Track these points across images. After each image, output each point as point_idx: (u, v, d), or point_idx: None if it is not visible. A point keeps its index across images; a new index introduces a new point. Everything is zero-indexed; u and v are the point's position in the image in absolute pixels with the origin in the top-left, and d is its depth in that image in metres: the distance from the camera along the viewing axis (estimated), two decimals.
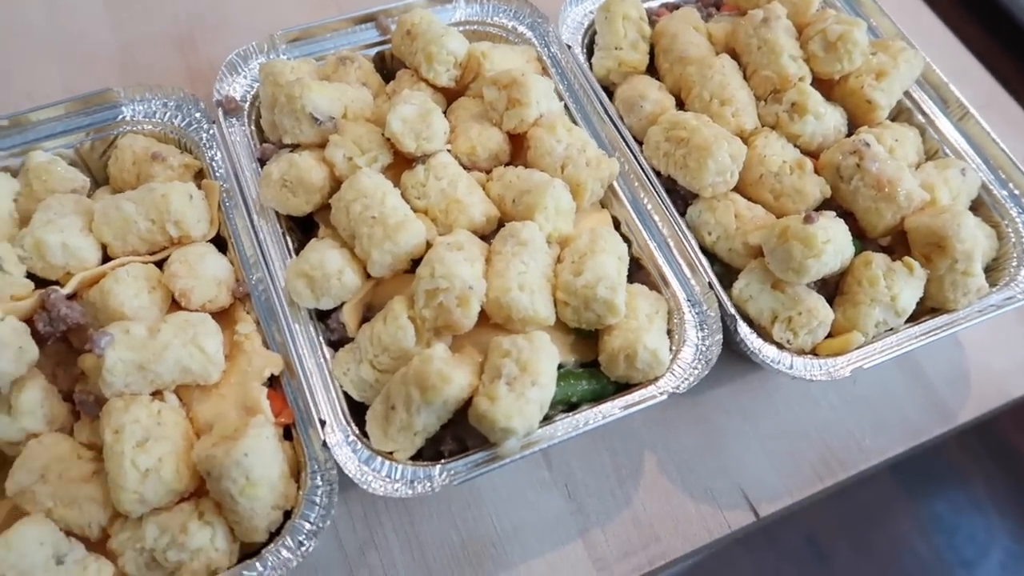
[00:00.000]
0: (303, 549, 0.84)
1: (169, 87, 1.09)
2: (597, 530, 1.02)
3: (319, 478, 0.87)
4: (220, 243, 1.01)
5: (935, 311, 1.03)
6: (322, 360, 0.94)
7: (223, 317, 0.94)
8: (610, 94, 1.17)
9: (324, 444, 0.87)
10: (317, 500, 0.87)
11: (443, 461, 0.89)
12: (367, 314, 0.99)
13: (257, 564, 0.83)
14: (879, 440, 1.10)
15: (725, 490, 1.06)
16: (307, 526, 0.85)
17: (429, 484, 0.87)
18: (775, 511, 1.05)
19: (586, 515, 1.03)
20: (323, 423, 0.89)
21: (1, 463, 0.89)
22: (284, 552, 0.84)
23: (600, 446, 1.07)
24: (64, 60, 1.35)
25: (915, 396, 1.14)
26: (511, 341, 0.89)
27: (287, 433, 0.91)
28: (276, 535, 0.86)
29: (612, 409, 0.92)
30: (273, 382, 0.92)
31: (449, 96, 1.13)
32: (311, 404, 0.90)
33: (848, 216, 1.04)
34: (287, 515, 0.87)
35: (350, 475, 0.86)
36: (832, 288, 1.04)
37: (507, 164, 1.06)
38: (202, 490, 0.86)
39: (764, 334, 0.99)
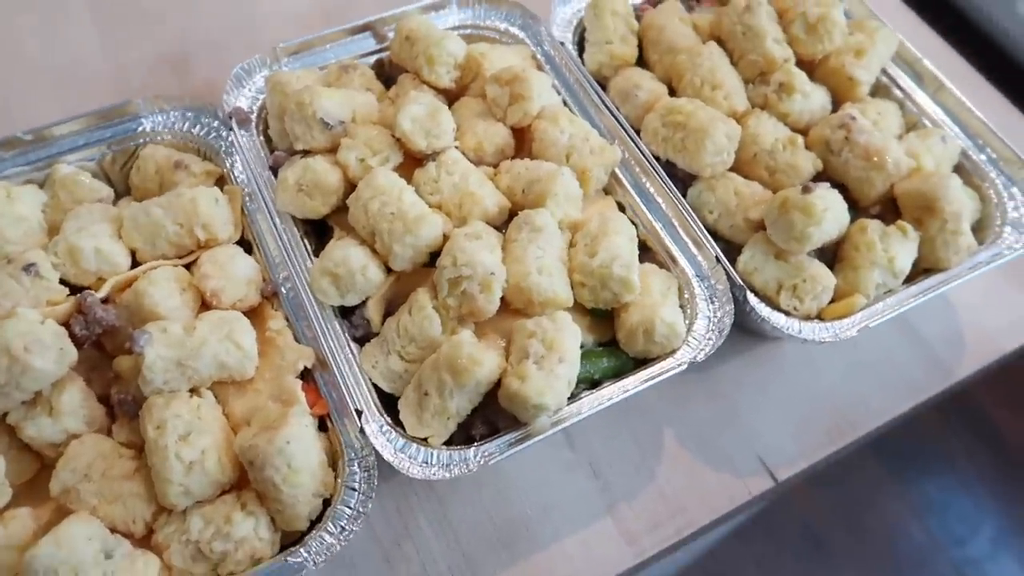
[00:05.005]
0: (345, 534, 0.86)
1: (187, 98, 1.12)
2: (624, 505, 1.05)
3: (356, 465, 0.90)
4: (244, 246, 1.03)
5: (928, 271, 1.08)
6: (350, 355, 0.97)
7: (252, 316, 0.96)
8: (603, 87, 1.22)
9: (361, 431, 0.90)
10: (356, 486, 0.89)
11: (476, 443, 0.92)
12: (388, 308, 1.01)
13: (301, 550, 0.85)
14: (885, 401, 1.15)
15: (743, 459, 1.09)
16: (347, 511, 0.88)
17: (465, 466, 0.89)
18: (792, 475, 1.08)
19: (612, 492, 1.06)
20: (360, 413, 0.91)
21: (41, 467, 0.90)
22: (327, 537, 0.86)
23: (620, 425, 1.10)
24: (61, 88, 1.37)
25: (915, 357, 1.19)
26: (535, 322, 0.93)
27: (321, 425, 0.93)
28: (317, 523, 0.88)
29: (635, 383, 0.96)
30: (305, 375, 0.95)
31: (449, 98, 1.17)
32: (345, 394, 0.92)
33: (840, 188, 1.08)
34: (326, 504, 0.89)
35: (389, 461, 0.89)
36: (829, 256, 1.08)
37: (512, 158, 1.10)
38: (242, 483, 0.88)
39: (771, 303, 1.04)
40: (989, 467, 2.87)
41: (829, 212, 0.99)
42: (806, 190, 0.99)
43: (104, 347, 0.95)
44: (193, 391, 0.90)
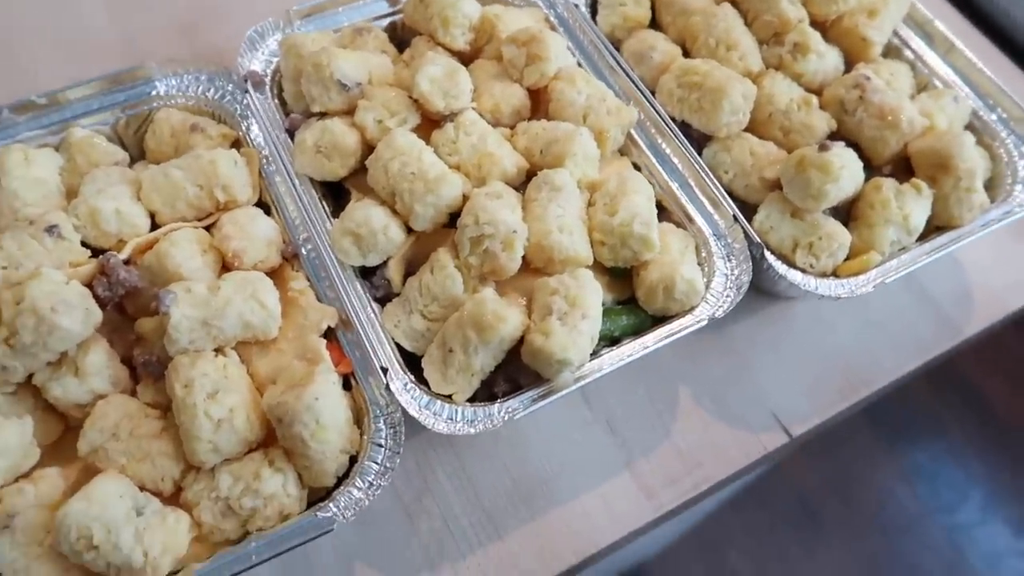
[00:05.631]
0: (373, 489, 0.87)
1: (201, 60, 1.12)
2: (641, 461, 1.07)
3: (382, 422, 0.91)
4: (263, 209, 1.03)
5: (941, 229, 1.09)
6: (372, 315, 0.97)
7: (273, 277, 0.96)
8: (616, 48, 1.22)
9: (387, 388, 0.91)
10: (382, 442, 0.90)
11: (500, 400, 0.93)
12: (409, 269, 1.02)
13: (331, 505, 0.86)
14: (896, 358, 1.16)
15: (757, 415, 1.11)
16: (375, 467, 0.89)
17: (490, 422, 0.91)
18: (806, 431, 1.10)
19: (629, 448, 1.07)
20: (385, 370, 0.92)
21: (65, 429, 0.91)
22: (355, 492, 0.87)
23: (636, 382, 1.11)
24: (69, 52, 1.36)
25: (924, 316, 1.20)
26: (557, 280, 0.93)
27: (345, 384, 0.94)
28: (343, 480, 0.89)
29: (654, 339, 0.97)
30: (328, 335, 0.95)
31: (462, 60, 1.16)
32: (370, 352, 0.93)
33: (853, 147, 1.09)
34: (352, 461, 0.90)
35: (414, 417, 0.90)
36: (842, 216, 1.09)
37: (528, 119, 1.10)
38: (269, 441, 0.89)
39: (787, 261, 1.05)
40: (979, 435, 2.92)
41: (846, 170, 1.00)
42: (823, 148, 1.00)
43: (125, 310, 0.95)
44: (218, 351, 0.91)
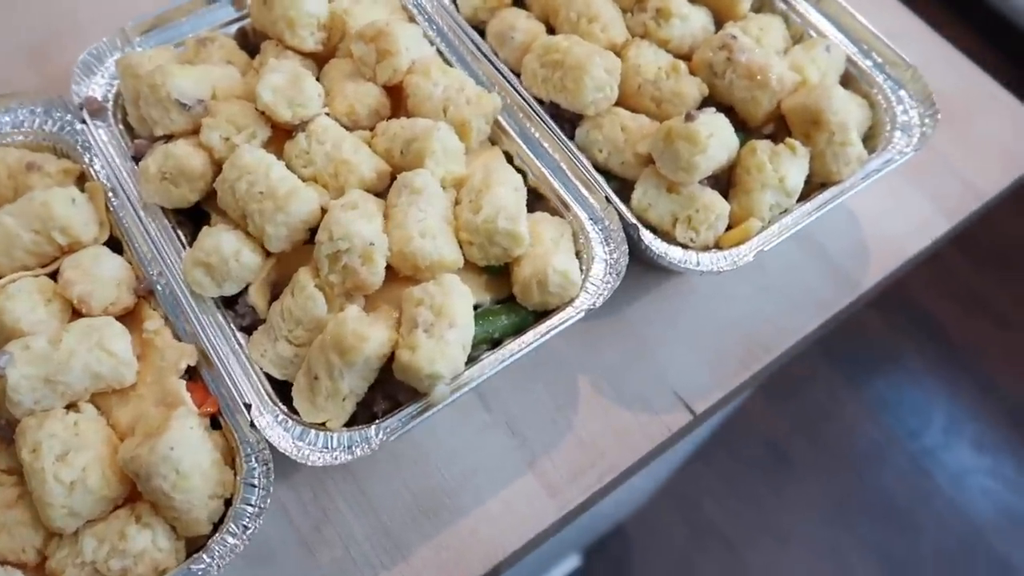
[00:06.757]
0: (249, 532, 0.83)
1: (33, 92, 1.04)
2: (544, 459, 1.04)
3: (254, 460, 0.86)
4: (115, 245, 0.98)
5: (823, 186, 1.06)
6: (237, 346, 0.92)
7: (129, 318, 0.91)
8: (482, 32, 1.17)
9: (252, 425, 0.86)
10: (256, 482, 0.86)
11: (378, 420, 0.89)
12: (274, 292, 0.97)
13: (204, 556, 0.82)
14: (794, 320, 1.14)
15: (659, 396, 1.08)
16: (249, 509, 0.85)
17: (367, 446, 0.87)
18: (709, 406, 1.08)
19: (531, 447, 1.04)
20: (248, 406, 0.87)
21: None
22: (230, 539, 0.83)
23: (533, 379, 1.08)
24: None
25: (821, 274, 1.18)
26: (422, 289, 0.89)
27: (215, 423, 0.90)
28: (220, 524, 0.85)
29: (533, 336, 0.93)
30: (192, 374, 0.90)
31: (319, 61, 1.11)
32: (233, 390, 0.88)
33: (729, 111, 1.06)
34: (228, 504, 0.86)
35: (286, 452, 0.85)
36: (724, 184, 1.06)
37: (388, 118, 1.05)
38: (136, 494, 0.84)
39: (668, 238, 1.01)
40: (936, 359, 2.97)
41: (714, 138, 0.96)
42: (689, 118, 0.96)
43: None
44: (71, 406, 0.85)
